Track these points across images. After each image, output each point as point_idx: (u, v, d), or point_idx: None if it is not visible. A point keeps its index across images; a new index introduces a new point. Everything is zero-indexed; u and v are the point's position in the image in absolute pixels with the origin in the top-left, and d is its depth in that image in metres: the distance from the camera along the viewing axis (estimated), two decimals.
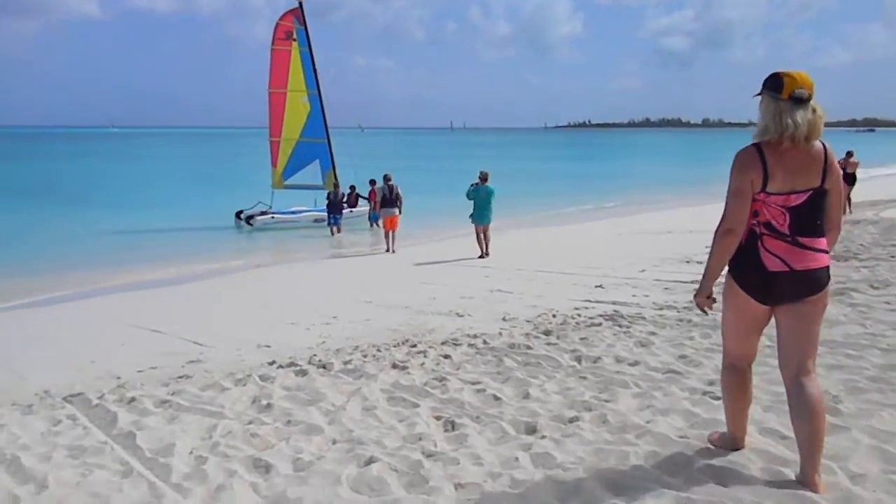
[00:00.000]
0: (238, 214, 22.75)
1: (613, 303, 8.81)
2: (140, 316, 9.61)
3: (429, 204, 26.85)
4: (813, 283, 3.22)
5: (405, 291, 10.78)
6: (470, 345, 6.75)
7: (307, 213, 22.62)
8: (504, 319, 8.24)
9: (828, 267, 3.26)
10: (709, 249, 3.37)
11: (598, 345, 6.40)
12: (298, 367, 6.13)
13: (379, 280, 12.34)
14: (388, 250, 16.50)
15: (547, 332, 7.16)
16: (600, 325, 7.39)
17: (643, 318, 7.56)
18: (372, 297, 10.24)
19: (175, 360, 7.03)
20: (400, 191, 16.99)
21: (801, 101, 3.12)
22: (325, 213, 21.49)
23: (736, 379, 3.57)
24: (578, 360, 5.91)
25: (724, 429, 3.82)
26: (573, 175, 52.32)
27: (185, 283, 12.77)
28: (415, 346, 6.85)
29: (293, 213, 22.71)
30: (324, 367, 6.08)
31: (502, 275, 11.91)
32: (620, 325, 7.23)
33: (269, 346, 7.45)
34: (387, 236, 16.72)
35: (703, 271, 3.39)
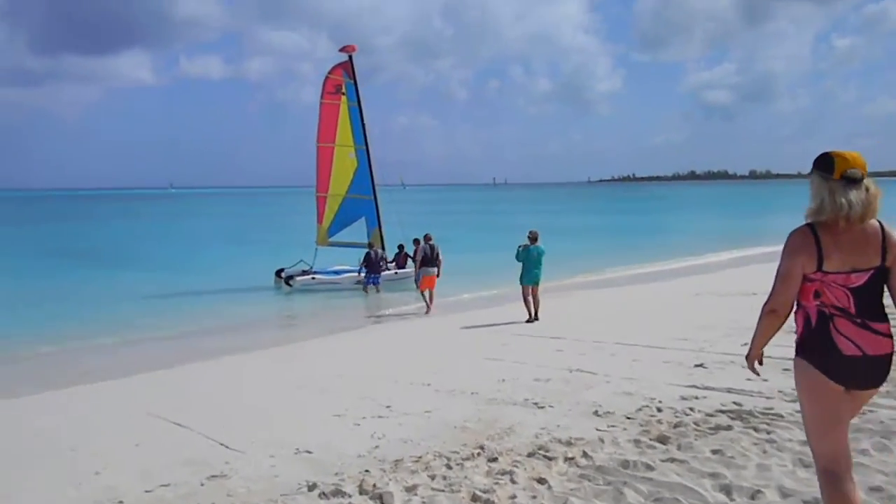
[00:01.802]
0: (278, 273, 21.72)
1: (729, 390, 7.18)
2: (163, 402, 8.27)
3: (471, 262, 25.61)
4: (882, 370, 3.15)
5: (467, 370, 9.29)
6: (567, 459, 5.21)
7: (349, 274, 21.42)
8: (597, 414, 6.67)
9: (893, 353, 3.17)
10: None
11: (744, 464, 4.80)
12: (347, 500, 4.63)
13: (434, 353, 10.84)
14: (427, 311, 16.30)
15: (662, 440, 5.58)
16: (729, 428, 5.77)
17: (781, 417, 5.93)
18: (430, 379, 8.75)
19: (194, 473, 5.61)
20: (440, 251, 16.64)
21: (854, 181, 3.08)
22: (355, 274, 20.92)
23: (834, 487, 3.23)
24: (728, 492, 4.33)
25: None
26: (624, 230, 50.64)
27: (214, 357, 11.37)
28: (495, 459, 5.32)
29: (335, 272, 21.53)
30: (380, 498, 4.57)
31: (577, 349, 10.33)
32: (757, 430, 5.61)
33: (310, 453, 5.99)
34: (423, 296, 16.49)
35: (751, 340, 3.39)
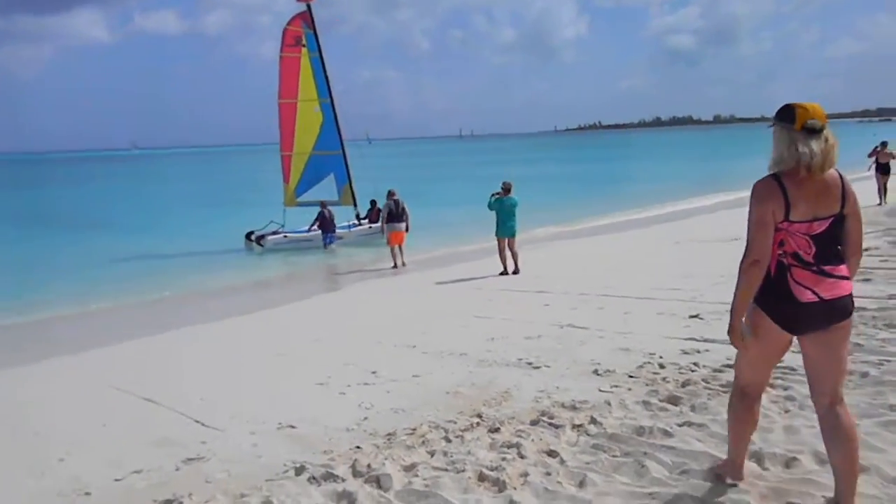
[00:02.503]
0: (248, 235, 21.03)
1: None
2: (130, 376, 7.71)
3: (443, 216, 25.16)
4: (840, 310, 3.25)
5: (453, 329, 8.87)
6: (575, 426, 4.81)
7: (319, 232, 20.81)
8: (597, 374, 6.30)
9: (851, 294, 3.28)
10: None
11: (769, 426, 4.44)
12: (340, 485, 4.18)
13: (417, 313, 10.40)
14: (394, 266, 16.24)
15: (673, 401, 5.22)
16: None
17: (793, 371, 5.58)
18: (415, 340, 8.32)
19: (167, 456, 5.13)
20: (406, 206, 16.39)
21: (814, 132, 3.17)
22: (341, 231, 20.87)
23: (746, 404, 3.61)
24: (759, 460, 3.98)
25: None
26: (593, 178, 50.35)
27: (184, 326, 10.78)
28: (496, 429, 4.91)
29: (306, 231, 20.86)
30: (377, 482, 4.13)
31: (565, 302, 9.97)
32: (772, 385, 5.26)
33: (293, 428, 5.54)
34: (393, 252, 16.37)
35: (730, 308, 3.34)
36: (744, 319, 3.34)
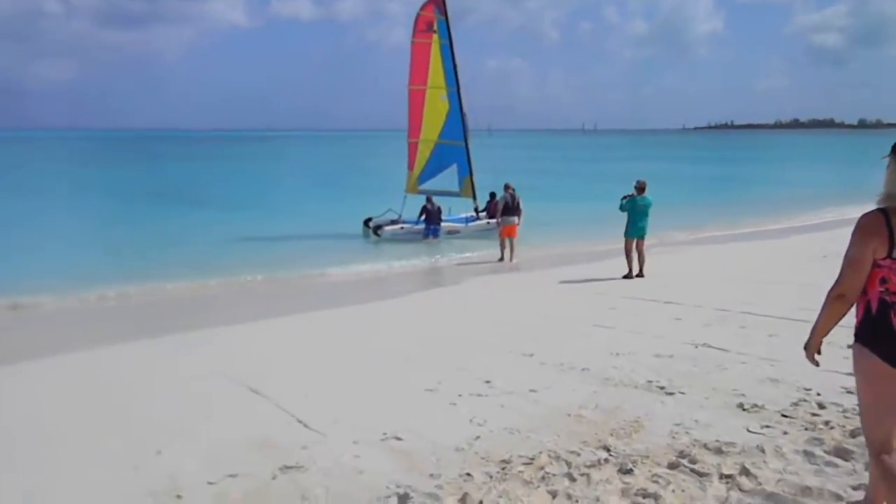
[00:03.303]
0: (366, 223, 21.00)
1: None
2: (240, 363, 7.55)
3: (563, 212, 24.32)
4: None
5: (573, 339, 8.21)
6: (724, 476, 4.10)
7: (443, 224, 20.50)
8: (743, 408, 5.50)
9: None
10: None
11: None
12: None
13: (533, 316, 9.76)
14: (500, 259, 16.12)
15: (843, 454, 4.39)
16: None
17: None
18: (531, 347, 7.72)
19: (266, 459, 4.80)
20: (521, 200, 16.33)
21: None
22: (457, 224, 20.68)
23: (886, 475, 3.23)
24: None
25: None
26: (728, 181, 47.72)
27: (295, 313, 10.61)
28: (629, 471, 4.26)
29: (423, 223, 20.61)
30: None
31: (698, 317, 9.08)
32: None
33: (399, 440, 5.10)
34: (503, 245, 16.19)
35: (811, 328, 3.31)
36: (857, 367, 3.33)
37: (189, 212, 27.13)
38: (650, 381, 6.35)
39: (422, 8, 21.44)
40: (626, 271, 12.94)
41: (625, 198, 13.14)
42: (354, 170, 57.15)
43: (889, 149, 3.24)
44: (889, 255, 3.12)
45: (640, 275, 12.88)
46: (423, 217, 20.16)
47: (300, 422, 5.61)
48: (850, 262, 3.20)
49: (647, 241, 13.18)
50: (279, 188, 39.64)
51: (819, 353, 3.42)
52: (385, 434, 5.22)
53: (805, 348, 3.44)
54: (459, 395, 6.16)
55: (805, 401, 5.59)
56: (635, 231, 12.99)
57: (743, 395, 5.83)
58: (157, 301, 12.45)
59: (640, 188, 13.09)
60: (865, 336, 3.26)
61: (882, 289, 3.17)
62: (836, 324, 3.31)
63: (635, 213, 12.98)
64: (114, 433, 5.58)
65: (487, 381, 6.52)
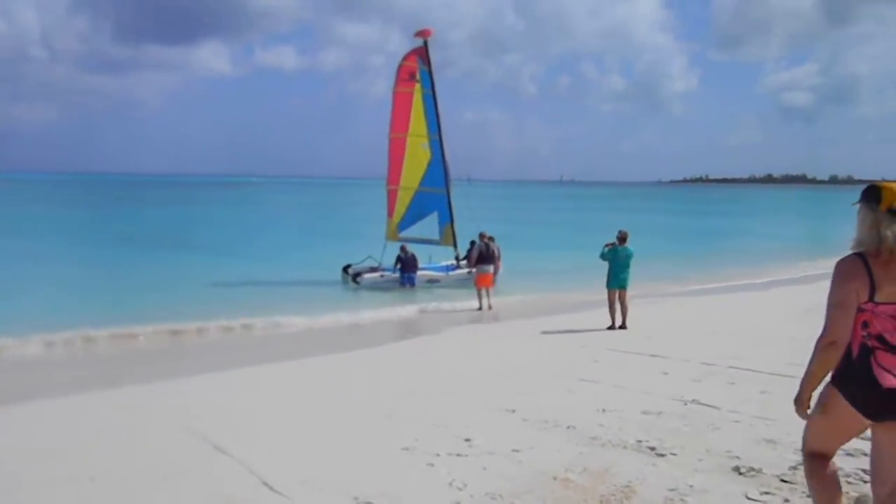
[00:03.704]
0: (345, 269, 20.69)
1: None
2: (208, 415, 7.12)
3: (543, 262, 24.20)
4: None
5: (557, 393, 7.88)
6: None
7: (421, 272, 20.23)
8: (739, 472, 5.18)
9: None
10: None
11: None
12: None
13: (514, 369, 9.39)
14: (479, 308, 16.14)
15: None
16: None
17: None
18: (513, 403, 7.36)
19: None
20: (499, 249, 16.56)
21: None
22: (437, 273, 20.67)
23: (818, 466, 3.47)
24: None
25: None
26: (704, 233, 48.03)
27: (266, 363, 10.19)
28: None
29: (399, 271, 20.36)
30: None
31: (686, 371, 8.78)
32: None
33: None
34: (479, 294, 16.26)
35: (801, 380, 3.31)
36: (822, 397, 3.30)
37: (167, 256, 26.73)
38: (640, 441, 6.00)
39: (404, 58, 21.62)
40: (608, 322, 12.73)
41: (607, 246, 13.07)
42: (335, 216, 57.02)
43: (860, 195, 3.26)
44: (871, 299, 3.10)
45: (623, 326, 12.68)
46: (398, 266, 19.93)
47: (265, 483, 5.19)
48: (836, 304, 3.16)
49: (629, 293, 13.01)
50: (259, 233, 39.34)
51: (809, 407, 3.34)
52: (356, 498, 4.82)
53: (795, 402, 3.36)
54: (437, 455, 5.77)
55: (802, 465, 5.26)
56: (617, 282, 12.87)
57: (738, 457, 5.51)
58: (126, 348, 12.05)
59: (622, 238, 13.02)
60: (842, 382, 3.23)
61: (864, 333, 3.15)
62: (826, 374, 3.24)
63: (616, 264, 12.89)
64: (64, 493, 5.12)
65: (467, 440, 6.14)
